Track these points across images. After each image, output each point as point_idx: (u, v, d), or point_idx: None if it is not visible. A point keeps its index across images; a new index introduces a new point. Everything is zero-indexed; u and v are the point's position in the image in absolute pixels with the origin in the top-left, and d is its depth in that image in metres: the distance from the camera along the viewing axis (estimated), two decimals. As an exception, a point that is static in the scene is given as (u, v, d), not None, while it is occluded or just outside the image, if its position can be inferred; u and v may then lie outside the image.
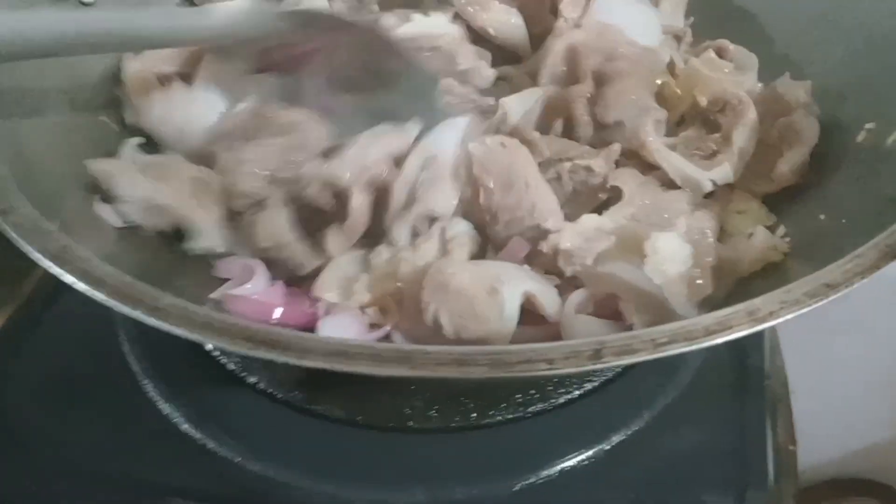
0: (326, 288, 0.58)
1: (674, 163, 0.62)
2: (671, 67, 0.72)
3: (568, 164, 0.60)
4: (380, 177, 0.60)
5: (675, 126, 0.68)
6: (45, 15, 0.59)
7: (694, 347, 0.42)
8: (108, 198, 0.62)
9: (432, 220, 0.60)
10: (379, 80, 0.65)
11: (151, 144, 0.68)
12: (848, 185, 0.61)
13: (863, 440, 1.39)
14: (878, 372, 1.30)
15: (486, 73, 0.69)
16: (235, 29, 0.62)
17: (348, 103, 0.66)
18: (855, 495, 1.43)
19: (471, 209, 0.60)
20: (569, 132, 0.65)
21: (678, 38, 0.77)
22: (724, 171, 0.62)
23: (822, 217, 0.60)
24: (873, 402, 1.33)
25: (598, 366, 0.41)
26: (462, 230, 0.59)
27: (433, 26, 0.70)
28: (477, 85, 0.69)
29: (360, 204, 0.59)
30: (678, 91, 0.68)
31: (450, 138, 0.62)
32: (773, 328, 0.99)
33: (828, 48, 0.70)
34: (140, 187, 0.61)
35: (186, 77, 0.69)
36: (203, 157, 0.65)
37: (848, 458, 1.41)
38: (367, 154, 0.60)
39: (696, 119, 0.67)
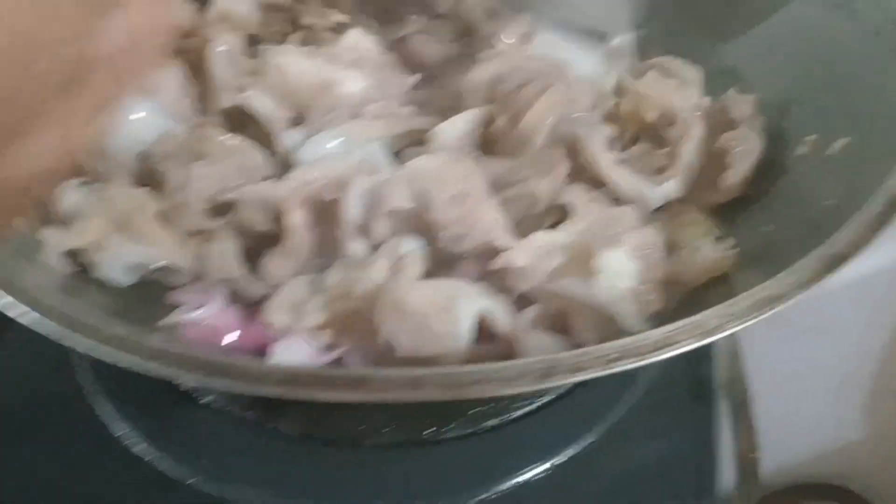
0: (276, 311, 0.58)
1: (622, 178, 0.63)
2: (621, 88, 0.72)
3: (512, 191, 0.61)
4: (320, 196, 0.60)
5: (628, 145, 0.69)
6: None
7: (644, 362, 0.43)
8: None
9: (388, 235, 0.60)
10: None
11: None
12: (792, 196, 0.62)
13: (827, 444, 1.42)
14: (840, 375, 1.32)
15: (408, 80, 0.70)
16: None
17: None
18: (819, 500, 1.46)
19: (418, 225, 0.60)
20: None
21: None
22: (671, 186, 0.63)
23: (768, 228, 0.61)
24: (837, 405, 1.36)
25: (550, 384, 0.42)
26: (413, 248, 0.59)
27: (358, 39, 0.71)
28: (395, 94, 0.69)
29: (296, 222, 0.59)
30: (627, 110, 0.69)
31: (380, 156, 0.63)
32: (733, 336, 1.01)
33: (772, 61, 0.72)
34: (129, 255, 0.60)
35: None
36: (142, 176, 0.65)
37: (812, 462, 1.44)
38: (305, 175, 0.60)
39: (645, 135, 0.68)
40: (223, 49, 0.69)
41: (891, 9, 0.63)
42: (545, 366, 0.42)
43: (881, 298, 1.22)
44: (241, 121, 0.69)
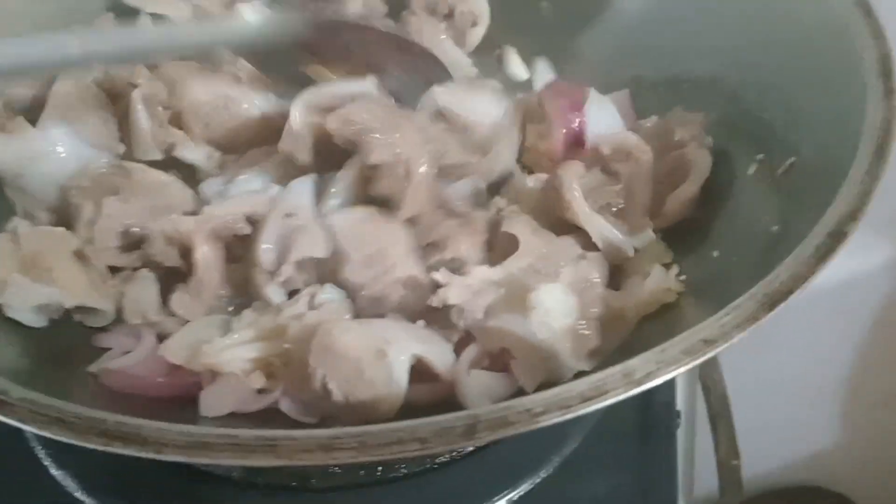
0: (174, 349, 0.56)
1: (598, 227, 0.60)
2: None
3: (436, 259, 0.58)
4: (230, 230, 0.58)
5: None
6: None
7: (570, 416, 0.41)
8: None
9: (305, 282, 0.58)
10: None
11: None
12: (739, 220, 0.60)
13: (805, 449, 1.41)
14: (816, 383, 1.31)
15: None
16: (266, 35, 0.66)
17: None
18: (800, 502, 1.45)
19: (335, 280, 0.58)
20: None
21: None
22: (647, 236, 0.62)
23: (716, 254, 0.59)
24: (813, 412, 1.35)
25: (473, 442, 0.40)
26: (332, 297, 0.57)
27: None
28: None
29: (204, 256, 0.57)
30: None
31: (303, 195, 0.61)
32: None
33: (719, 79, 0.69)
34: (33, 296, 0.57)
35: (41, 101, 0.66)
36: (58, 210, 0.63)
37: (791, 467, 1.43)
38: (213, 210, 0.58)
39: (595, 165, 0.66)
40: (145, 95, 0.66)
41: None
42: (467, 423, 0.40)
43: (853, 307, 1.21)
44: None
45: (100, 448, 0.40)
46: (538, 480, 0.64)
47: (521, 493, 0.64)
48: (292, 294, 0.59)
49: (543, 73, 0.79)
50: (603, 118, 0.68)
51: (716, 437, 1.06)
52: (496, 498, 0.63)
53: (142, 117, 0.65)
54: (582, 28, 0.78)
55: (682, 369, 0.42)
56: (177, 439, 0.40)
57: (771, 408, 1.24)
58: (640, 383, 0.42)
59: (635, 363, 0.42)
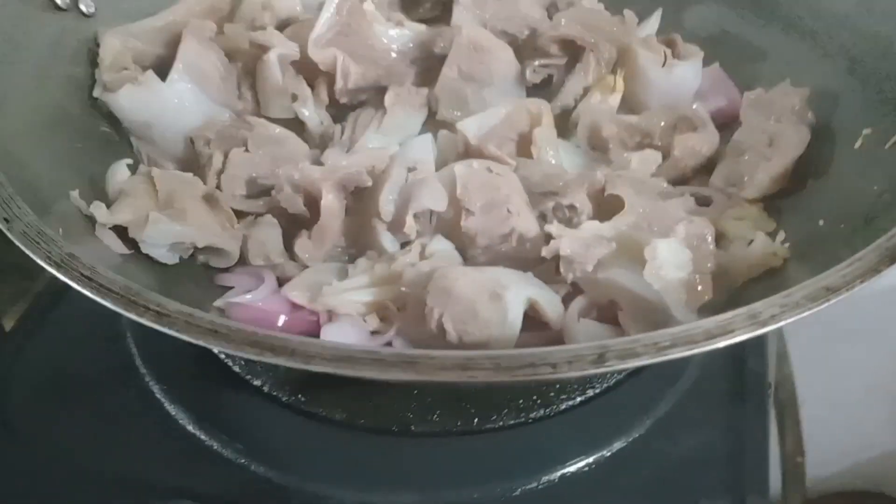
0: (296, 288, 0.59)
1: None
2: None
3: (551, 204, 0.61)
4: (354, 180, 0.61)
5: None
6: None
7: (695, 351, 0.42)
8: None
9: (418, 233, 0.61)
10: None
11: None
12: (846, 190, 0.61)
13: (873, 451, 1.39)
14: (887, 381, 1.29)
15: None
16: None
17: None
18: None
19: (451, 231, 0.61)
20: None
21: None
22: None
23: (821, 222, 0.60)
24: (883, 412, 1.33)
25: (601, 370, 0.42)
26: (442, 248, 0.60)
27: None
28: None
29: (329, 204, 0.60)
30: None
31: (425, 149, 0.64)
32: (781, 337, 1.00)
33: (825, 54, 0.71)
34: (170, 234, 0.61)
35: (165, 60, 0.70)
36: (187, 159, 0.67)
37: (857, 469, 1.41)
38: (339, 161, 0.61)
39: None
40: (280, 55, 0.70)
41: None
42: (596, 352, 0.42)
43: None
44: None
45: (252, 357, 0.42)
46: (628, 441, 0.66)
47: (612, 451, 0.65)
48: (403, 245, 0.62)
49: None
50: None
51: (782, 432, 1.05)
52: (588, 454, 0.65)
53: (277, 77, 0.69)
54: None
55: (805, 314, 0.44)
56: (323, 352, 0.42)
57: (838, 407, 1.23)
58: (765, 324, 0.43)
59: (760, 306, 0.44)
